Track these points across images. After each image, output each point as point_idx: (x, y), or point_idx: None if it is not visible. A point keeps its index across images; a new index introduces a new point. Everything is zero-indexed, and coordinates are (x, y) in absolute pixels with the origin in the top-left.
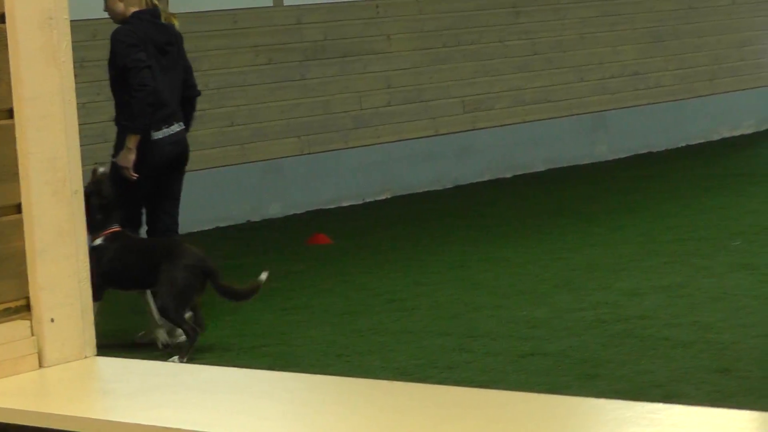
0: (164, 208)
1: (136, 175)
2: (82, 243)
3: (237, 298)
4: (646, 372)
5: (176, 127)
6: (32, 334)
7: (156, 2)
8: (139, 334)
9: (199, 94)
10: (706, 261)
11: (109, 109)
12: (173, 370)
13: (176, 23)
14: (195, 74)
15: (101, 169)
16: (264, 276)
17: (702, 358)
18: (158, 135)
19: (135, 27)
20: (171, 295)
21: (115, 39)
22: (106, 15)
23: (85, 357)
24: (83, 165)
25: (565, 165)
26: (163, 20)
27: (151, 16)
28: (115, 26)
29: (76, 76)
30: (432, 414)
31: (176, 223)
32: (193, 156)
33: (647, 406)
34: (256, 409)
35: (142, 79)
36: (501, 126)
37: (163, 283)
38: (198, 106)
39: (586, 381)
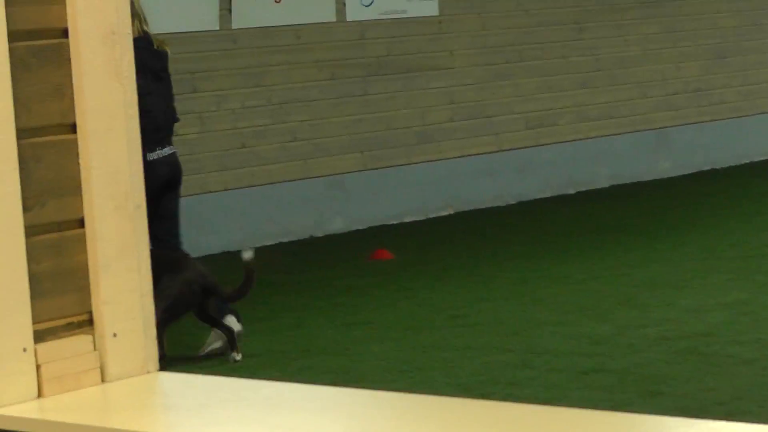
0: (165, 228)
1: None
2: (145, 257)
3: (243, 294)
4: (710, 389)
5: (168, 150)
6: (95, 349)
7: (147, 29)
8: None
9: (178, 120)
10: None
11: None
12: (235, 386)
13: (169, 50)
14: (258, 89)
15: None
16: (248, 254)
17: (766, 375)
18: (153, 156)
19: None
20: (161, 308)
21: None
22: (168, 29)
23: (147, 372)
24: None
25: (627, 181)
26: (156, 47)
27: (146, 43)
28: (180, 41)
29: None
30: (495, 430)
31: (180, 243)
32: (256, 171)
33: (710, 424)
34: (318, 426)
35: (144, 105)
36: (563, 142)
37: (157, 295)
38: (260, 121)
39: (649, 398)
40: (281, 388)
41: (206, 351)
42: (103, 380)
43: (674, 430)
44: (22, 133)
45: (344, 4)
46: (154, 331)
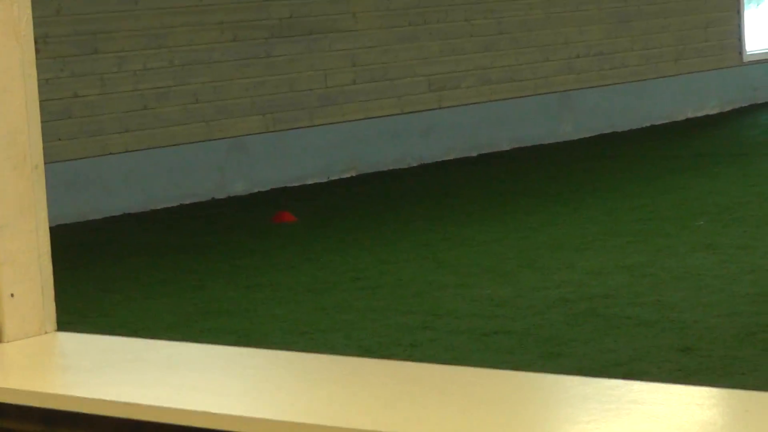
0: None
1: None
2: (43, 218)
3: None
4: (609, 350)
5: None
6: None
7: None
8: None
9: None
10: (669, 240)
11: (73, 85)
12: (135, 346)
13: None
14: (161, 50)
15: None
16: None
17: (664, 337)
18: None
19: None
20: None
21: None
22: None
23: (46, 332)
24: (46, 141)
25: (529, 144)
26: None
27: None
28: (81, 2)
29: (39, 51)
30: (395, 390)
31: None
32: (158, 133)
33: (607, 382)
34: (218, 386)
35: None
36: (466, 105)
37: None
38: (162, 83)
39: (550, 359)
40: (181, 348)
41: None
42: (0, 340)
43: (572, 389)
44: None
45: None
46: (52, 291)
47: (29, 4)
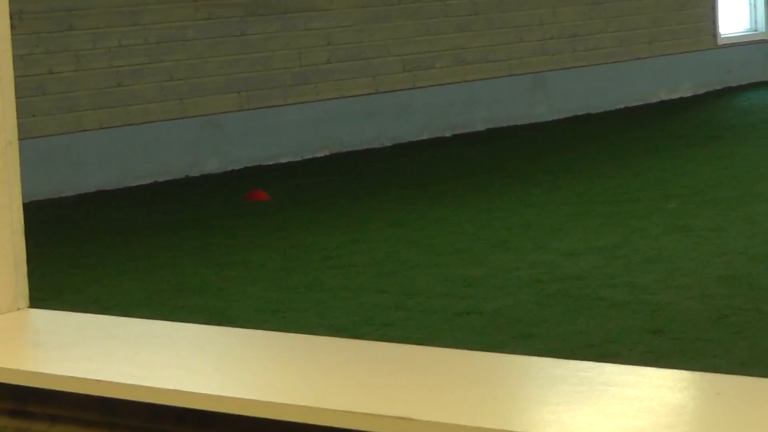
0: None
1: None
2: (17, 194)
3: None
4: (581, 332)
5: None
6: None
7: None
8: None
9: None
10: (641, 222)
11: (47, 61)
12: (106, 323)
13: None
14: (135, 27)
15: None
16: None
17: (636, 318)
18: None
19: None
20: None
21: None
22: None
23: (18, 309)
24: (20, 117)
25: (503, 125)
26: None
27: None
28: None
29: (14, 27)
30: (367, 370)
31: None
32: (132, 110)
33: (579, 364)
34: (189, 363)
35: None
36: (441, 85)
37: None
38: (137, 60)
39: (521, 340)
40: (152, 325)
41: None
42: None
43: (543, 370)
44: None
45: None
46: (24, 268)
47: None
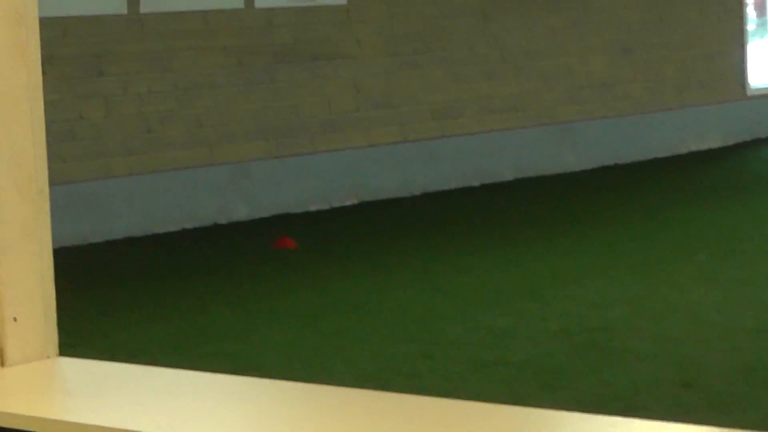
0: None
1: None
2: (47, 241)
3: None
4: (609, 384)
5: None
6: None
7: None
8: None
9: None
10: (669, 274)
11: (77, 107)
12: (135, 372)
13: None
14: (165, 73)
15: None
16: None
17: (664, 371)
18: None
19: None
20: None
21: None
22: (76, 12)
23: (48, 357)
24: (49, 162)
25: (532, 174)
26: None
27: None
28: (87, 24)
29: (44, 73)
30: (394, 423)
31: None
32: (161, 156)
33: (608, 419)
34: (216, 414)
35: None
36: (469, 134)
37: None
38: (166, 106)
39: (548, 391)
40: (180, 375)
41: None
42: (2, 364)
43: (572, 425)
44: None
45: None
46: (54, 316)
47: (37, 26)
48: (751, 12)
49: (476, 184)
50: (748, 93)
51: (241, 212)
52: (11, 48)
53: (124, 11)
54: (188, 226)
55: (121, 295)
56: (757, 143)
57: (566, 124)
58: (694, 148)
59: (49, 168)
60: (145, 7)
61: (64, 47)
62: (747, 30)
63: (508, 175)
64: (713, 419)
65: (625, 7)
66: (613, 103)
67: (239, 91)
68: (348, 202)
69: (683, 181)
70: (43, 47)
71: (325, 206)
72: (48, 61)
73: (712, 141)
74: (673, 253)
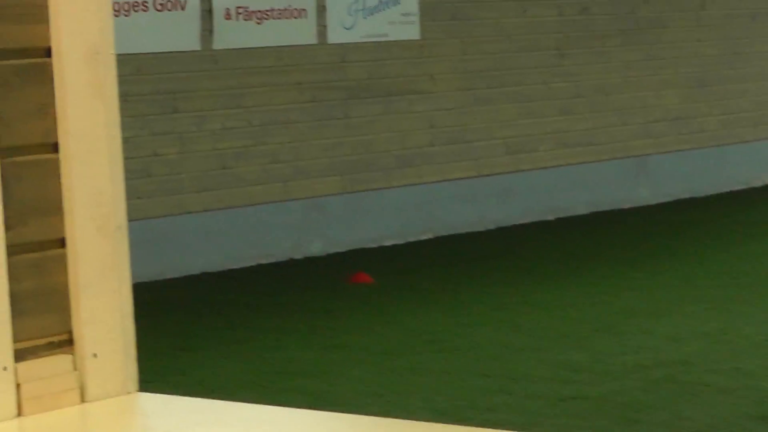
0: None
1: None
2: (126, 278)
3: None
4: (687, 418)
5: None
6: (75, 369)
7: None
8: None
9: None
10: (747, 307)
11: (152, 144)
12: (214, 407)
13: None
14: (239, 110)
15: None
16: None
17: (742, 405)
18: None
19: None
20: None
21: None
22: (150, 49)
23: (128, 393)
24: (126, 199)
25: (606, 209)
26: None
27: None
28: (161, 61)
29: (120, 110)
30: None
31: None
32: (236, 192)
33: None
34: None
35: None
36: (543, 168)
37: None
38: (241, 143)
39: (626, 426)
40: (260, 410)
41: None
42: (82, 400)
43: None
44: (3, 152)
45: (326, 27)
46: (134, 351)
47: (114, 65)
48: None
49: (551, 218)
50: None
51: (316, 248)
52: (89, 86)
53: (198, 48)
54: (263, 261)
55: (198, 331)
56: None
57: (641, 158)
58: None
59: (125, 205)
60: (218, 44)
61: (139, 84)
62: None
63: (583, 210)
64: None
65: (699, 41)
66: (688, 137)
67: (313, 127)
68: (423, 237)
69: (759, 215)
70: (118, 84)
71: (400, 241)
72: (122, 99)
73: None
74: (750, 287)
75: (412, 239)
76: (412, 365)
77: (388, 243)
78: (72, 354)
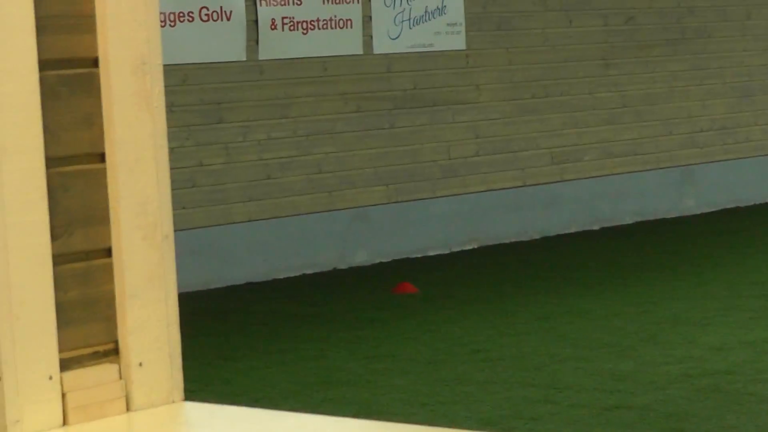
0: None
1: None
2: (172, 287)
3: None
4: (732, 427)
5: None
6: (120, 378)
7: None
8: None
9: None
10: None
11: (197, 154)
12: (260, 416)
13: None
14: (284, 120)
15: None
16: None
17: None
18: None
19: None
20: None
21: None
22: (195, 60)
23: (173, 402)
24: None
25: (651, 218)
26: None
27: None
28: (207, 71)
29: (166, 120)
30: None
31: None
32: (281, 202)
33: None
34: None
35: None
36: (589, 178)
37: None
38: (286, 153)
39: None
40: (305, 419)
41: None
42: (128, 409)
43: None
44: (50, 161)
45: (371, 37)
46: (179, 361)
47: (161, 75)
48: None
49: (596, 228)
50: None
51: (361, 257)
52: (136, 96)
53: (243, 58)
54: (308, 271)
55: (243, 340)
56: None
57: (686, 168)
58: None
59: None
60: (263, 54)
61: (184, 95)
62: None
63: (628, 219)
64: None
65: (745, 50)
66: (733, 147)
67: (358, 137)
68: (468, 247)
69: None
70: (164, 95)
71: (445, 251)
72: (168, 109)
73: None
74: None
75: (456, 249)
76: (457, 375)
77: (432, 253)
78: (118, 363)
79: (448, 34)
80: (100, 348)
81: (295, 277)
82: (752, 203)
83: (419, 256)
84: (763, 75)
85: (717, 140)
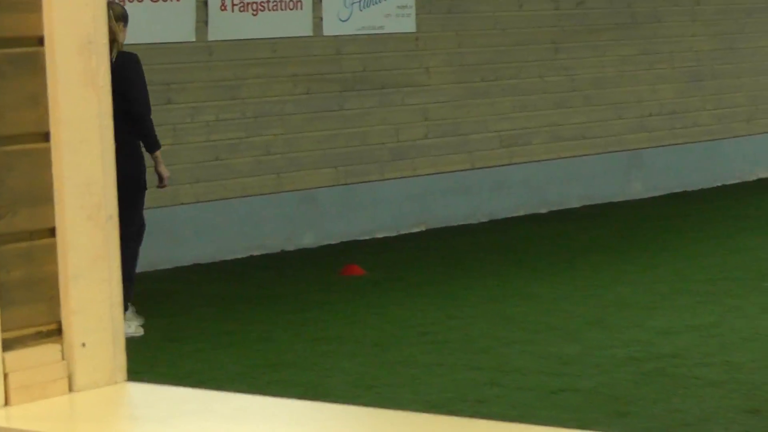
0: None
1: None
2: (116, 268)
3: None
4: (677, 411)
5: None
6: (63, 359)
7: None
8: None
9: None
10: (738, 301)
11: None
12: (204, 397)
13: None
14: (233, 101)
15: None
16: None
17: (733, 398)
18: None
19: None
20: None
21: (140, 67)
22: (144, 40)
23: (116, 382)
24: None
25: (599, 202)
26: None
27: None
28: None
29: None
30: None
31: None
32: (229, 184)
33: None
34: None
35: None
36: (537, 161)
37: None
38: (235, 134)
39: (617, 418)
40: (250, 400)
41: None
42: (70, 390)
43: None
44: None
45: (321, 19)
46: (123, 342)
47: (107, 53)
48: None
49: (544, 211)
50: None
51: (309, 239)
52: (82, 75)
53: (193, 39)
54: (256, 253)
55: (188, 322)
56: None
57: (635, 152)
58: (762, 175)
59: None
60: (213, 35)
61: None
62: None
63: (576, 203)
64: None
65: (694, 35)
66: (682, 131)
67: (307, 119)
68: (416, 230)
69: (752, 209)
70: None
71: (393, 233)
72: None
73: None
74: (742, 281)
75: (405, 232)
76: (403, 357)
77: (380, 235)
78: (60, 343)
79: (398, 17)
80: (43, 328)
81: (243, 258)
82: (700, 188)
83: (367, 238)
84: (712, 60)
85: (666, 125)
